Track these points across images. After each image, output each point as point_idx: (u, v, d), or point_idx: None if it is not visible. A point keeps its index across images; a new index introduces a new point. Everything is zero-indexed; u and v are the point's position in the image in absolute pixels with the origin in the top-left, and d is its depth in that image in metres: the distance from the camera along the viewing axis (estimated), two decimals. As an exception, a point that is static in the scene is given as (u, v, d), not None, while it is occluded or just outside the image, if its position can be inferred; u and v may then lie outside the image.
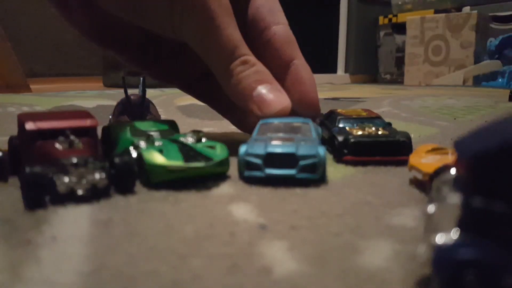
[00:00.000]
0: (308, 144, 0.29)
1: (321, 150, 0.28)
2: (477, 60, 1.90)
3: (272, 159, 0.28)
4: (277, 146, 0.28)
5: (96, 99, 1.02)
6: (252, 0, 0.38)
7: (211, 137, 0.34)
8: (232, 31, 0.33)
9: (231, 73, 0.33)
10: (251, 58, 0.34)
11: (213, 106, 0.45)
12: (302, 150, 0.28)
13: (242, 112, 0.40)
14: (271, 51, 0.37)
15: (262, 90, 0.33)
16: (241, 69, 0.33)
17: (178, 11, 0.32)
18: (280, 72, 0.36)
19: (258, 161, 0.28)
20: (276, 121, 0.32)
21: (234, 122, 0.45)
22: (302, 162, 0.27)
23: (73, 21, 0.38)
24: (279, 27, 0.38)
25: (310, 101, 0.38)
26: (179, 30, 0.33)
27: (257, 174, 0.28)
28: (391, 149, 0.33)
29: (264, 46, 0.37)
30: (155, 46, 0.38)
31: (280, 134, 0.31)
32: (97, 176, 0.24)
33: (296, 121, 0.32)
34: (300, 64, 0.38)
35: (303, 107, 0.37)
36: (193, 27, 0.33)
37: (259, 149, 0.28)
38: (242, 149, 0.29)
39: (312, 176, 0.28)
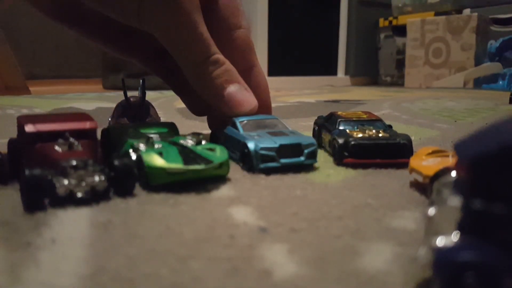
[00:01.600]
0: (299, 135, 0.33)
1: (313, 139, 0.33)
2: (478, 62, 1.90)
3: (282, 151, 0.31)
4: (284, 138, 0.32)
5: (96, 102, 1.02)
6: None
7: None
8: (203, 30, 0.33)
9: (203, 71, 0.34)
10: (221, 57, 0.35)
11: (169, 83, 0.45)
12: (304, 140, 0.32)
13: (195, 96, 0.41)
14: (233, 54, 0.38)
15: (232, 89, 0.35)
16: (212, 68, 0.34)
17: (148, 6, 0.32)
18: (240, 74, 0.37)
19: (272, 153, 0.31)
20: (250, 119, 0.35)
21: (185, 103, 0.46)
22: (306, 150, 0.32)
23: (35, 2, 0.39)
24: (241, 31, 0.39)
25: (267, 105, 0.42)
26: (147, 24, 0.33)
27: (272, 165, 0.31)
28: (391, 152, 0.33)
29: (225, 47, 0.37)
30: (113, 23, 0.37)
31: (267, 129, 0.34)
32: (96, 178, 0.24)
33: (268, 118, 0.36)
34: (258, 71, 0.41)
35: (261, 108, 0.39)
36: (164, 23, 0.33)
37: (270, 143, 0.31)
38: (251, 145, 0.31)
39: (314, 161, 0.32)
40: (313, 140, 0.33)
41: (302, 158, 0.32)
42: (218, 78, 0.35)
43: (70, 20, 0.40)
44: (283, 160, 0.31)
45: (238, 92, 0.35)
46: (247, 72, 0.40)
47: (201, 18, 0.34)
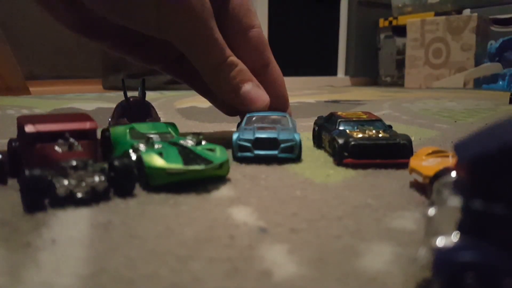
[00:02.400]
0: (286, 131, 0.36)
1: (297, 136, 0.35)
2: (478, 62, 1.90)
3: (260, 143, 0.35)
4: (263, 132, 0.35)
5: (96, 102, 1.02)
6: (228, 0, 0.40)
7: (211, 139, 0.34)
8: (218, 35, 0.36)
9: (219, 74, 0.37)
10: (235, 59, 0.38)
11: (194, 87, 0.47)
12: (282, 136, 0.35)
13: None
14: (249, 53, 0.40)
15: (247, 88, 0.38)
16: (228, 70, 0.37)
17: (165, 14, 0.34)
18: (256, 71, 0.40)
19: (248, 144, 0.35)
20: (260, 114, 0.39)
21: (214, 103, 0.48)
22: (282, 145, 0.35)
23: (57, 16, 0.39)
24: (255, 31, 0.41)
25: (285, 99, 0.44)
26: (165, 32, 0.35)
27: (247, 155, 0.35)
28: (391, 152, 0.33)
29: (240, 47, 0.40)
30: (134, 33, 0.39)
31: (265, 124, 0.37)
32: (96, 179, 0.24)
33: (276, 115, 0.39)
34: (274, 67, 0.43)
35: (278, 104, 0.43)
36: (182, 31, 0.35)
37: (249, 135, 0.35)
38: (235, 136, 0.35)
39: (290, 155, 0.35)
40: (294, 137, 0.35)
41: (275, 152, 0.34)
42: (234, 79, 0.38)
43: (92, 33, 0.41)
44: (257, 152, 0.34)
45: (252, 90, 0.39)
46: (264, 69, 0.42)
47: (215, 24, 0.35)
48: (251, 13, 0.41)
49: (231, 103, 0.40)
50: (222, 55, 0.36)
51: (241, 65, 0.38)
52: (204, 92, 0.48)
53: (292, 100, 1.13)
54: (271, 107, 0.41)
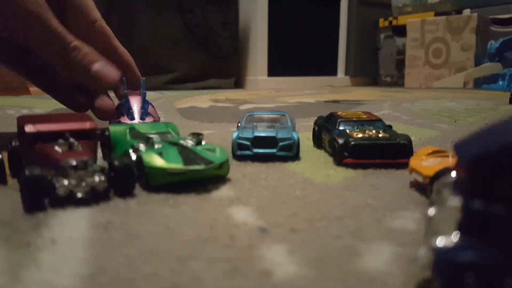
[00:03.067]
0: (285, 130, 0.37)
1: (295, 135, 0.36)
2: (478, 62, 1.90)
3: (259, 142, 0.35)
4: (261, 131, 0.36)
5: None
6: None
7: (211, 139, 0.34)
8: (54, 23, 0.38)
9: (66, 59, 0.39)
10: (78, 43, 0.40)
11: (38, 84, 0.50)
12: (281, 134, 0.36)
13: (71, 93, 0.49)
14: (98, 40, 0.45)
15: (97, 67, 0.41)
16: (74, 53, 0.40)
17: None
18: (105, 54, 0.43)
19: (247, 143, 0.35)
20: (259, 114, 0.40)
21: (64, 102, 0.52)
22: (281, 143, 0.35)
23: None
24: (97, 24, 0.45)
25: (136, 74, 0.49)
26: (5, 31, 0.37)
27: (246, 153, 0.35)
28: (391, 152, 0.33)
29: (88, 40, 0.42)
30: None
31: (264, 123, 0.38)
32: (96, 179, 0.24)
33: (275, 114, 0.41)
34: (121, 50, 0.48)
35: (128, 72, 0.47)
36: (15, 26, 0.37)
37: (248, 134, 0.36)
38: (235, 134, 0.36)
39: (288, 153, 0.35)
40: (292, 136, 0.36)
41: (274, 150, 0.35)
42: (82, 61, 0.40)
43: None
44: (255, 150, 0.35)
45: (102, 67, 0.41)
46: (112, 51, 0.47)
47: (50, 14, 0.38)
48: (90, 8, 0.44)
49: (85, 83, 0.44)
50: (64, 41, 0.39)
51: (86, 48, 0.40)
52: (48, 89, 0.51)
53: (292, 100, 1.13)
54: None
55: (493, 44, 1.93)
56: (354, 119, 0.38)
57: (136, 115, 0.41)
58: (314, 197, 0.26)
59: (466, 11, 2.01)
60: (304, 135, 0.48)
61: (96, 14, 0.45)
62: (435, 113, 0.77)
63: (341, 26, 2.37)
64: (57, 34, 0.38)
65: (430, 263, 0.13)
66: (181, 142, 0.30)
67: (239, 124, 0.41)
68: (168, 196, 0.26)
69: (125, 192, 0.26)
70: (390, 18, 2.28)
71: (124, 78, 0.43)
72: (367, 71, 2.42)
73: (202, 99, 1.11)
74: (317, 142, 0.42)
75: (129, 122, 0.40)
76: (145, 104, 0.42)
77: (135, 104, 0.42)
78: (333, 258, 0.18)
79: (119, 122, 0.40)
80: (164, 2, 1.65)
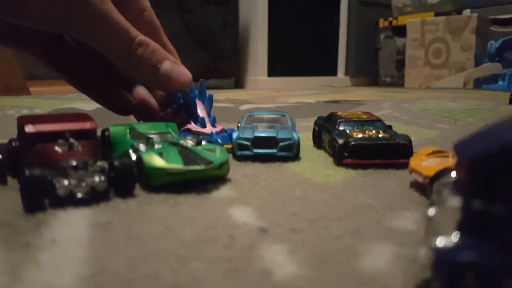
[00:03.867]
0: (285, 130, 0.37)
1: (296, 135, 0.36)
2: (478, 63, 1.90)
3: (259, 142, 0.35)
4: (262, 131, 0.36)
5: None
6: None
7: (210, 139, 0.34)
8: (117, 16, 0.33)
9: (131, 56, 0.35)
10: (144, 37, 0.35)
11: (64, 76, 0.45)
12: (281, 135, 0.36)
13: (114, 94, 0.43)
14: (146, 33, 0.37)
15: (166, 67, 0.36)
16: (141, 50, 0.35)
17: (56, 8, 0.32)
18: None
19: (247, 143, 0.35)
20: (259, 114, 0.40)
21: (101, 102, 0.45)
22: (281, 143, 0.35)
23: None
24: (146, 13, 0.40)
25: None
26: (63, 26, 0.33)
27: (247, 153, 0.35)
28: (391, 152, 0.33)
29: (137, 27, 0.37)
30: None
31: (264, 124, 0.38)
32: (96, 179, 0.24)
33: (275, 114, 0.40)
34: (172, 49, 0.42)
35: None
36: (76, 21, 0.33)
37: (248, 134, 0.36)
38: (235, 134, 0.36)
39: (288, 154, 0.35)
40: (292, 136, 0.36)
41: (274, 150, 0.35)
42: (150, 60, 0.36)
43: None
44: (256, 150, 0.35)
45: (172, 68, 0.37)
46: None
47: (112, 7, 0.33)
48: None
49: (152, 85, 0.39)
50: (128, 36, 0.34)
51: (153, 44, 0.36)
52: (83, 88, 0.45)
53: (292, 100, 1.13)
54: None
55: (493, 44, 1.93)
56: (354, 119, 0.38)
57: (208, 123, 0.39)
58: (314, 197, 0.26)
59: (466, 11, 2.01)
60: (304, 135, 0.48)
61: (146, 1, 0.40)
62: (435, 113, 0.77)
63: (341, 26, 2.37)
64: (121, 27, 0.34)
65: (430, 263, 0.13)
66: (181, 142, 0.30)
67: (239, 124, 0.40)
68: (168, 196, 0.26)
69: (125, 192, 0.26)
70: (390, 18, 2.28)
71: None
72: (367, 71, 2.42)
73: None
74: (317, 142, 0.42)
75: (201, 130, 0.39)
76: (209, 109, 0.41)
77: (200, 109, 0.40)
78: (333, 258, 0.18)
79: (189, 130, 0.39)
80: (164, 2, 1.66)
